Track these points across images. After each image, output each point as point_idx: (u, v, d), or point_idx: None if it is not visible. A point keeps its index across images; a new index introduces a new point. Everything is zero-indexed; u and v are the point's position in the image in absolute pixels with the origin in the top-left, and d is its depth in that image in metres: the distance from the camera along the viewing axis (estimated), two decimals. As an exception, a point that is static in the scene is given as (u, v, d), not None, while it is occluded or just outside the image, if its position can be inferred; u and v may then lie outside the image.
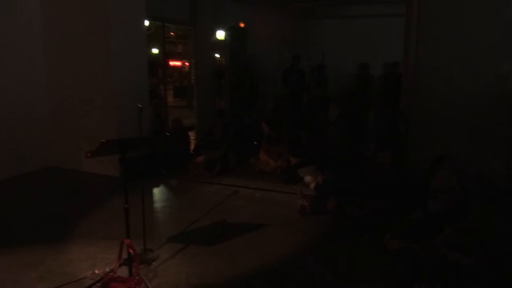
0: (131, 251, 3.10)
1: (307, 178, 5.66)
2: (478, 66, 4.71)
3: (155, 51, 13.63)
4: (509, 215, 3.67)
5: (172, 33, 17.00)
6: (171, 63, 17.92)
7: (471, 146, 4.68)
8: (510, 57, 4.60)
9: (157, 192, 5.77)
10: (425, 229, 3.92)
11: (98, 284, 3.17)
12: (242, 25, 10.57)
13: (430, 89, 4.96)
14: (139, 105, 3.55)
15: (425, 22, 5.02)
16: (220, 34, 10.01)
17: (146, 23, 7.02)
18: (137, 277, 3.03)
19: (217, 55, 10.67)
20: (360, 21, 10.60)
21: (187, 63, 18.21)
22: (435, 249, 3.59)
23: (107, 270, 3.34)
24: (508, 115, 4.60)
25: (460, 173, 4.20)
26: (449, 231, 3.76)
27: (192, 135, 8.82)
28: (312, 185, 5.46)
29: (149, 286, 3.13)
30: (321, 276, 3.51)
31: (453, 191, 4.04)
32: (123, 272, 3.17)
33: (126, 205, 3.24)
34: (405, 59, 6.49)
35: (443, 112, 4.87)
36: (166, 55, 10.14)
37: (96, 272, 3.42)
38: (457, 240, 3.69)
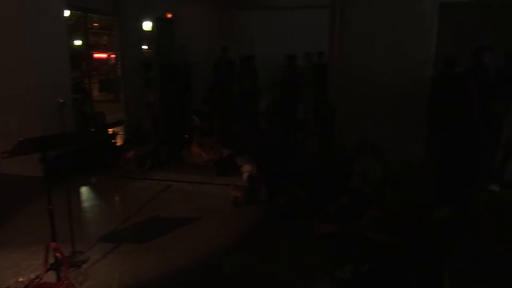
0: (58, 254, 2.96)
1: (246, 167, 5.69)
2: (396, 56, 4.99)
3: (77, 42, 12.94)
4: (424, 195, 3.96)
5: (96, 24, 16.20)
6: (96, 55, 17.11)
7: (393, 132, 4.96)
8: (423, 47, 4.92)
9: (85, 191, 5.53)
10: (352, 213, 4.13)
11: (23, 292, 3.00)
12: (169, 15, 10.34)
13: (353, 79, 5.17)
14: (60, 100, 3.37)
15: (347, 13, 5.21)
16: (147, 25, 9.73)
17: (67, 13, 6.63)
18: (66, 282, 2.91)
19: (144, 47, 10.36)
20: (288, 12, 10.76)
21: (113, 55, 17.48)
22: (360, 231, 3.79)
23: (33, 276, 3.17)
24: (423, 103, 4.94)
25: (380, 157, 4.47)
26: (372, 213, 4.00)
27: (120, 130, 8.54)
28: (246, 175, 5.52)
29: (79, 289, 3.02)
30: (254, 265, 3.57)
31: (375, 175, 4.29)
32: (51, 277, 3.02)
33: (50, 206, 3.07)
34: (329, 50, 6.72)
35: (366, 101, 5.11)
36: (90, 47, 9.65)
37: (21, 280, 3.22)
38: (380, 221, 3.93)
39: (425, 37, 4.93)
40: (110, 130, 7.51)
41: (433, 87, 5.03)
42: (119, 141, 7.31)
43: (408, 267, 3.28)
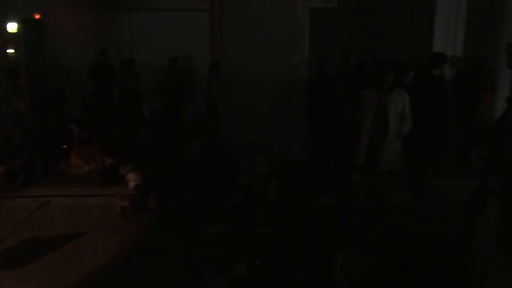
0: None
1: (131, 176, 5.48)
2: (273, 58, 5.21)
3: None
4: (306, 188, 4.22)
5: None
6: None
7: (274, 130, 5.19)
8: (297, 49, 5.24)
9: None
10: (243, 211, 4.24)
11: None
12: (38, 16, 9.50)
13: (235, 81, 5.29)
14: None
15: (226, 17, 5.31)
16: (12, 27, 8.82)
17: None
18: None
19: (10, 50, 9.38)
20: (169, 15, 10.61)
21: (-29, 60, 15.50)
22: (250, 228, 3.91)
23: None
24: (300, 102, 5.25)
25: (265, 154, 4.65)
26: (262, 209, 4.15)
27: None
28: (133, 184, 5.33)
29: None
30: (149, 275, 3.48)
31: (262, 172, 4.44)
32: None
33: None
34: (211, 53, 6.79)
35: (250, 102, 5.26)
36: None
37: None
38: (269, 216, 4.10)
39: (299, 39, 5.24)
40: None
41: (308, 87, 5.37)
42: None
43: (295, 258, 3.48)
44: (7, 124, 7.14)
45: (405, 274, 2.88)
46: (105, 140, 6.27)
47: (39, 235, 4.21)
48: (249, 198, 4.36)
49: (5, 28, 8.52)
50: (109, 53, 8.91)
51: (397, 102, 4.62)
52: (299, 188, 4.20)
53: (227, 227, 4.06)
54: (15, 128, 6.20)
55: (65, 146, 6.50)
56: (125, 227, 4.38)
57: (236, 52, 5.26)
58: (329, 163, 5.15)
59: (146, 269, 3.57)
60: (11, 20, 8.64)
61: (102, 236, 4.18)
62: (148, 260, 3.74)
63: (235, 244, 3.75)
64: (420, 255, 3.15)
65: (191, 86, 9.10)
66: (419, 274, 3.11)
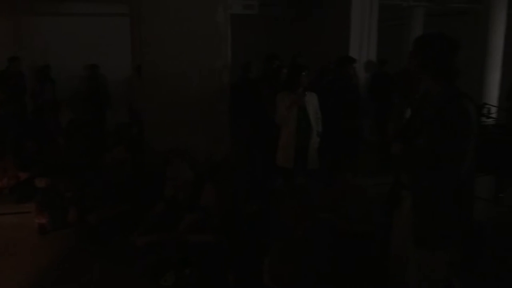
0: None
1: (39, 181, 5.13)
2: (197, 65, 5.21)
3: None
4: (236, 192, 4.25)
5: None
6: None
7: (200, 135, 5.17)
8: (220, 55, 5.29)
9: None
10: (171, 219, 4.16)
11: None
12: None
13: (158, 87, 5.20)
14: None
15: (147, 23, 5.21)
16: None
17: None
18: None
19: None
20: (87, 20, 10.16)
21: None
22: (179, 236, 3.85)
23: None
24: (225, 106, 5.30)
25: (191, 160, 4.61)
26: (189, 217, 4.10)
27: None
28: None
29: None
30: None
31: (187, 179, 4.40)
32: None
33: None
34: (132, 58, 6.61)
35: (174, 107, 5.20)
36: None
37: None
38: (200, 223, 4.06)
39: (221, 45, 5.29)
40: None
41: (233, 91, 5.43)
42: None
43: (226, 264, 3.48)
44: None
45: (332, 273, 2.99)
46: (18, 153, 5.83)
47: None
48: (175, 206, 4.29)
49: None
50: (21, 60, 8.33)
51: (313, 103, 4.82)
52: (230, 193, 4.22)
53: (154, 237, 3.97)
54: None
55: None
56: (44, 246, 4.11)
57: (159, 60, 5.19)
58: (257, 166, 5.22)
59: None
60: None
61: (19, 257, 3.89)
62: (71, 278, 3.54)
63: (163, 254, 3.67)
64: (346, 253, 3.29)
65: (111, 93, 8.79)
66: (346, 271, 3.26)
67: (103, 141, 6.13)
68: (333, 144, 4.99)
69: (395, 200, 2.67)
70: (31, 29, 10.13)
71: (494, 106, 5.46)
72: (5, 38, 9.68)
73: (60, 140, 5.63)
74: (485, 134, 4.60)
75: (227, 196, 4.16)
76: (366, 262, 3.42)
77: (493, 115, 5.13)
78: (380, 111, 7.30)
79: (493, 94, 9.16)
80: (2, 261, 3.81)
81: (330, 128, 5.07)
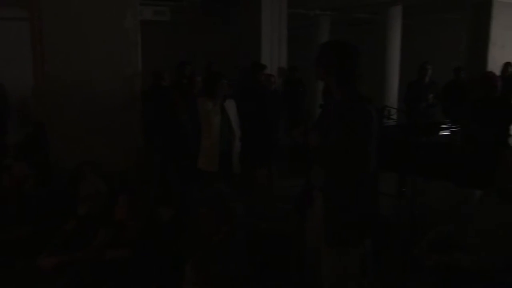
0: None
1: None
2: (106, 72, 5.01)
3: None
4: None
5: None
6: None
7: (112, 147, 4.97)
8: (130, 62, 5.14)
9: None
10: (83, 237, 3.92)
11: None
12: None
13: (65, 97, 4.93)
14: None
15: (48, 29, 4.91)
16: None
17: None
18: None
19: None
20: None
21: None
22: (91, 254, 3.65)
23: None
24: (135, 115, 5.16)
25: (100, 172, 4.41)
26: (103, 232, 3.90)
27: None
28: None
29: None
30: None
31: (99, 192, 4.19)
32: None
33: None
34: (34, 71, 6.14)
35: (82, 118, 4.95)
36: None
37: None
38: (115, 237, 3.88)
39: (131, 52, 5.15)
40: None
41: (145, 99, 5.31)
42: None
43: (147, 277, 3.36)
44: None
45: (254, 275, 3.02)
46: None
47: None
48: (88, 223, 4.06)
49: None
50: None
51: (233, 110, 4.88)
52: (144, 204, 4.08)
53: (64, 258, 3.71)
54: None
55: None
56: None
57: (63, 68, 4.91)
58: (173, 175, 5.14)
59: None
60: None
61: None
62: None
63: (76, 275, 3.46)
64: (265, 254, 3.35)
65: (9, 104, 8.14)
66: (266, 272, 3.31)
67: (3, 155, 5.65)
68: (250, 149, 5.06)
69: (308, 200, 2.77)
70: None
71: (394, 108, 5.91)
72: None
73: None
74: (386, 134, 4.95)
75: (142, 207, 4.02)
76: (283, 261, 3.50)
77: (393, 117, 5.54)
78: (292, 116, 7.57)
79: (393, 97, 9.95)
80: None
81: (247, 134, 5.15)
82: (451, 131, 5.13)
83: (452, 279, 2.77)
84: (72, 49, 4.90)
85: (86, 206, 4.18)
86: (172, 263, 3.33)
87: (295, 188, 3.78)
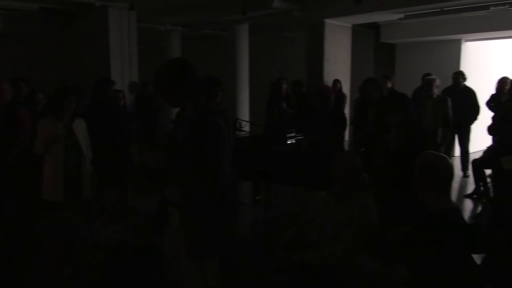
0: None
1: None
2: None
3: None
4: None
5: None
6: None
7: None
8: None
9: None
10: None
11: None
12: None
13: None
14: None
15: None
16: None
17: None
18: None
19: None
20: None
21: None
22: None
23: None
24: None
25: None
26: None
27: None
28: None
29: None
30: None
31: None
32: None
33: None
34: None
35: None
36: None
37: None
38: None
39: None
40: None
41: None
42: None
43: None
44: None
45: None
46: None
47: None
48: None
49: None
50: None
51: (83, 130, 4.49)
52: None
53: None
54: None
55: None
56: None
57: None
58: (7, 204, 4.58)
59: None
60: None
61: None
62: None
63: None
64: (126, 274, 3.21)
65: None
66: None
67: None
68: (100, 169, 4.76)
69: (163, 217, 2.74)
70: None
71: (245, 121, 6.22)
72: None
73: None
74: (240, 145, 5.16)
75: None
76: (146, 278, 3.39)
77: (244, 128, 5.81)
78: (146, 130, 7.43)
79: (244, 109, 10.44)
80: None
81: (97, 153, 4.83)
82: (296, 140, 5.55)
83: (308, 276, 2.97)
84: None
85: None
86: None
87: (151, 205, 3.72)
